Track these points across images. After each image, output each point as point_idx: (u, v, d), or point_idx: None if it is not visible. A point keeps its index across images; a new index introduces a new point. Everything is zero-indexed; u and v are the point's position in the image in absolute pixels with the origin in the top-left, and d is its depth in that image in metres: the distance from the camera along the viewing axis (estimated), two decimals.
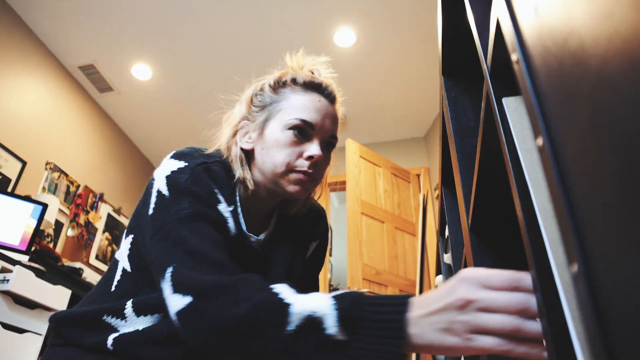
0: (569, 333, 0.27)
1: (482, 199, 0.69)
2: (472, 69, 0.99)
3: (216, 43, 3.29)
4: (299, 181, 0.76)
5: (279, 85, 0.82)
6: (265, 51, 3.30)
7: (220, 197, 0.75)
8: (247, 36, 3.22)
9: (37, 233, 2.50)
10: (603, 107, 0.20)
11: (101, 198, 3.86)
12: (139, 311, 0.71)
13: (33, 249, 2.60)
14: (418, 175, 3.90)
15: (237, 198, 0.81)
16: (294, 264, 0.87)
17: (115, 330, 0.72)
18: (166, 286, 0.61)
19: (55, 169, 3.40)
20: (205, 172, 0.74)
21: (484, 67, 0.53)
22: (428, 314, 0.48)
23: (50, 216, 2.90)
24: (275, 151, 0.77)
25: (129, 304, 0.72)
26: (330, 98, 0.83)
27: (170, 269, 0.61)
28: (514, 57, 0.35)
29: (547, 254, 0.31)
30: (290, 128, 0.77)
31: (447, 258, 1.54)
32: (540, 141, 0.29)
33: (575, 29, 0.23)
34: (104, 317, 0.72)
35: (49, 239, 3.23)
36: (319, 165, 0.79)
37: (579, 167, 0.24)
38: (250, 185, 0.79)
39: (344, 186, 3.96)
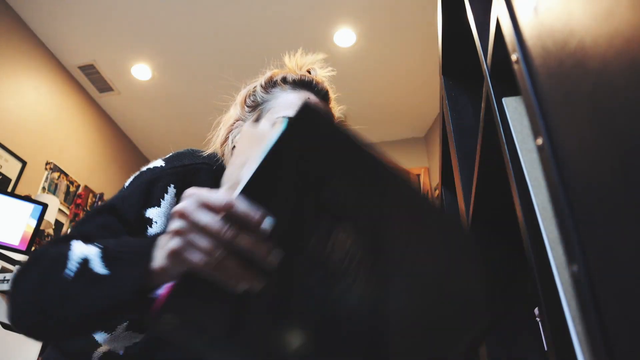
0: (569, 333, 0.27)
1: (482, 199, 0.69)
2: (472, 69, 0.99)
3: (216, 43, 3.29)
4: None
5: (269, 85, 0.83)
6: (266, 51, 3.30)
7: (164, 202, 0.75)
8: (247, 36, 3.22)
9: (37, 233, 2.49)
10: (603, 107, 0.20)
11: (101, 198, 3.86)
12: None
13: (33, 249, 2.60)
14: (418, 175, 3.90)
15: None
16: None
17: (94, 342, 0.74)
18: None
19: (55, 169, 3.40)
20: (171, 176, 0.75)
21: (484, 67, 0.53)
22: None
23: (50, 216, 2.90)
24: None
25: None
26: (321, 95, 0.82)
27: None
28: (514, 57, 0.35)
29: (547, 254, 0.31)
30: None
31: None
32: (540, 141, 0.29)
33: (575, 29, 0.23)
34: None
35: (49, 239, 3.23)
36: None
37: (578, 167, 0.24)
38: None
39: None
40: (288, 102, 0.79)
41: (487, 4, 0.60)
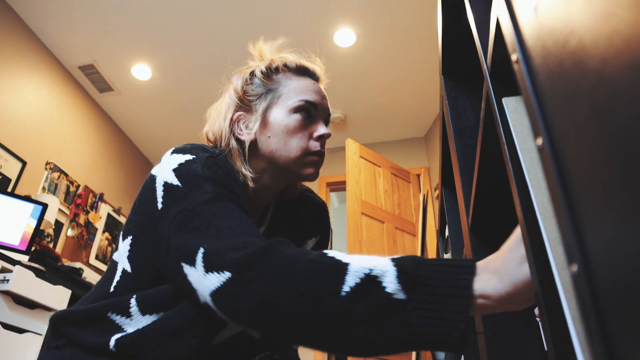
0: (569, 333, 0.27)
1: (482, 199, 0.69)
2: (472, 69, 0.99)
3: (216, 43, 3.29)
4: (313, 162, 0.78)
5: (271, 72, 0.82)
6: None
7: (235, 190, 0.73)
8: (247, 36, 3.21)
9: (37, 233, 2.50)
10: (603, 107, 0.20)
11: (101, 198, 3.86)
12: (143, 308, 0.68)
13: (33, 249, 2.60)
14: (418, 175, 3.90)
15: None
16: None
17: (118, 328, 0.69)
18: (197, 270, 0.57)
19: (55, 169, 3.40)
20: (216, 165, 0.72)
21: (484, 67, 0.53)
22: (504, 258, 0.45)
23: (50, 216, 2.90)
24: (286, 137, 0.77)
25: (133, 300, 0.69)
26: (317, 79, 0.86)
27: (200, 251, 0.58)
28: (514, 57, 0.35)
29: (547, 254, 0.31)
30: (297, 111, 0.78)
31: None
32: (540, 141, 0.29)
33: (575, 29, 0.23)
34: (109, 314, 0.70)
35: (49, 239, 3.23)
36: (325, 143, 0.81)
37: (578, 167, 0.24)
38: (251, 183, 0.78)
39: (344, 186, 3.95)
40: (298, 87, 0.80)
41: (487, 4, 0.60)
